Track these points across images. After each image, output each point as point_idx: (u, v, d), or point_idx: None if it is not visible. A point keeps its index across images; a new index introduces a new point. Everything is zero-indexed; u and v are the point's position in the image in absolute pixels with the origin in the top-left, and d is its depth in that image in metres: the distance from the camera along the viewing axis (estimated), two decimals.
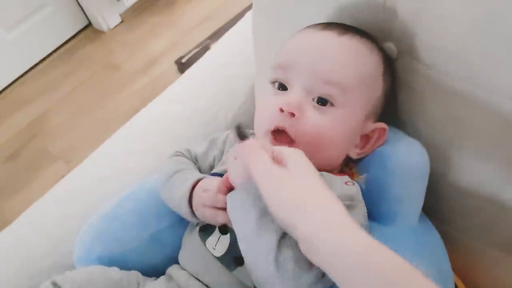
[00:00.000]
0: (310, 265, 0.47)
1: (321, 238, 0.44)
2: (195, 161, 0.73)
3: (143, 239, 0.70)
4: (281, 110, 0.59)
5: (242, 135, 0.54)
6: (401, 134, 0.65)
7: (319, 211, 0.45)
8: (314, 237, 0.44)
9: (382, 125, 0.63)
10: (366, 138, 0.64)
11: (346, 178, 0.61)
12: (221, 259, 0.61)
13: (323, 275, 0.47)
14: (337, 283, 0.43)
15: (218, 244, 0.61)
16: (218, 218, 0.59)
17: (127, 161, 0.85)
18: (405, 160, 0.61)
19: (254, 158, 0.50)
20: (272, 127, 0.60)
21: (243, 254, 0.54)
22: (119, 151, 0.87)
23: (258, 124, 0.64)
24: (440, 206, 0.68)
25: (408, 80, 0.65)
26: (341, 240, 0.43)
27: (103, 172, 0.84)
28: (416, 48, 0.62)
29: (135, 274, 0.67)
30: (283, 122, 0.59)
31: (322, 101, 0.60)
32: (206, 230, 0.64)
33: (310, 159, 0.58)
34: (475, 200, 0.64)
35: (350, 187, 0.59)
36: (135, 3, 2.30)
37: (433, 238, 0.63)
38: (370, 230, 0.60)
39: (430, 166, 0.62)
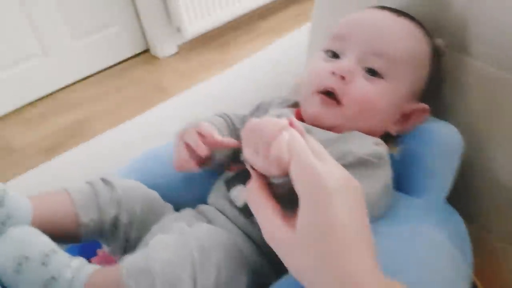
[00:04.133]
0: None
1: None
2: (231, 124, 0.77)
3: (176, 177, 0.73)
4: (333, 73, 0.63)
5: None
6: (439, 119, 0.69)
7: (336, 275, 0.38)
8: None
9: (422, 105, 0.67)
10: (406, 117, 0.67)
11: (376, 140, 0.62)
12: (241, 209, 0.64)
13: None
14: None
15: (239, 196, 0.64)
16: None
17: (172, 124, 0.90)
18: (442, 136, 0.64)
19: (260, 209, 0.43)
20: (321, 88, 0.64)
21: None
22: (167, 115, 0.92)
23: (307, 85, 0.68)
24: (467, 200, 0.69)
25: (452, 71, 0.69)
26: None
27: (149, 130, 0.90)
28: (465, 41, 0.67)
29: (168, 205, 0.71)
30: (332, 83, 0.63)
31: (372, 72, 0.64)
32: (231, 182, 0.67)
33: (353, 125, 0.62)
34: (504, 191, 0.66)
35: (380, 147, 0.61)
36: (194, 38, 2.45)
37: (458, 220, 0.64)
38: (395, 197, 0.62)
39: (464, 156, 0.65)
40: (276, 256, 0.60)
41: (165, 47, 2.43)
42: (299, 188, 0.40)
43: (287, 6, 2.76)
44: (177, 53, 2.49)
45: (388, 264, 0.41)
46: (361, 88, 0.63)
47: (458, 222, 0.63)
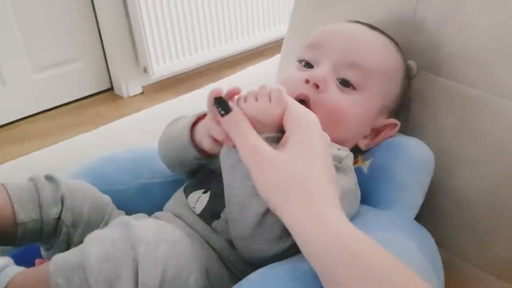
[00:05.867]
0: None
1: (300, 227, 0.43)
2: None
3: (133, 185, 0.69)
4: (307, 81, 0.62)
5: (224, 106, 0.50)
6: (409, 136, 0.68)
7: (303, 200, 0.44)
8: (294, 224, 0.44)
9: (393, 121, 0.66)
10: (376, 132, 0.66)
11: (341, 146, 0.60)
12: (200, 215, 0.60)
13: None
14: (314, 269, 0.42)
15: (197, 202, 0.61)
16: (214, 150, 0.57)
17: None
18: (412, 150, 0.63)
19: (241, 132, 0.49)
20: (294, 95, 0.62)
21: (229, 209, 0.53)
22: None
23: None
24: (435, 222, 0.67)
25: (422, 91, 0.69)
26: (318, 228, 0.42)
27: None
28: (437, 61, 0.67)
29: (121, 212, 0.65)
30: (306, 91, 0.62)
31: (345, 83, 0.63)
32: (189, 188, 0.64)
33: None
34: (472, 211, 0.64)
35: (342, 151, 0.59)
36: (160, 80, 2.43)
37: (428, 237, 0.61)
38: (364, 209, 0.59)
39: (432, 176, 0.64)
40: (236, 262, 0.55)
41: (129, 86, 2.40)
42: (291, 120, 0.49)
43: (256, 59, 2.81)
44: (141, 93, 2.47)
45: None
46: (334, 98, 0.62)
47: (427, 238, 0.61)
